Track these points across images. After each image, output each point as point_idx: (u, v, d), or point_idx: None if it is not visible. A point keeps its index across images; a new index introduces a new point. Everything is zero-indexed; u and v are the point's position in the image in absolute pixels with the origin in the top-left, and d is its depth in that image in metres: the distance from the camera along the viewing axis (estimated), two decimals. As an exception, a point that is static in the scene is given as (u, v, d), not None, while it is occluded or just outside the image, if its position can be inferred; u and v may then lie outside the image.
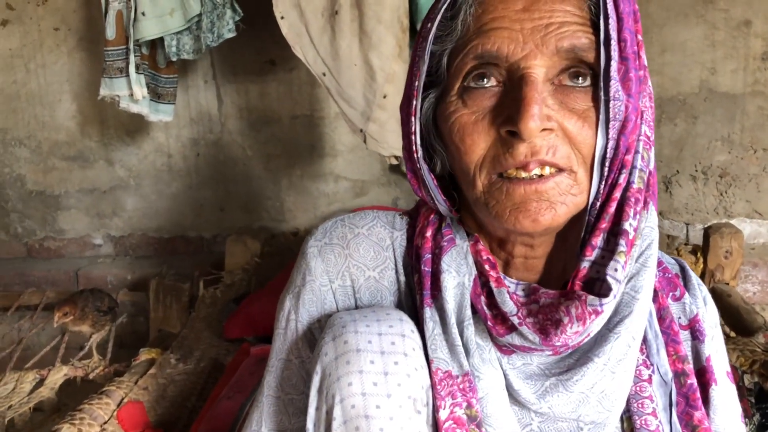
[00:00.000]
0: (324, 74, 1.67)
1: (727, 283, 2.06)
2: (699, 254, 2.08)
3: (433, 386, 0.70)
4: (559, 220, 0.67)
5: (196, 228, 2.63)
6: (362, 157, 2.47)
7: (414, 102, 0.71)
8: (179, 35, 1.84)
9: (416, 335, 0.71)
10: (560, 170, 0.66)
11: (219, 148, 2.53)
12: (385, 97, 1.65)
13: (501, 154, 0.66)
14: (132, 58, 1.80)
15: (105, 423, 1.41)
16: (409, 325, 0.71)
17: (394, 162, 1.81)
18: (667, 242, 2.15)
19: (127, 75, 1.82)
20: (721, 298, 1.96)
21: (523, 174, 0.65)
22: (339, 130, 2.45)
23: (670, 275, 0.83)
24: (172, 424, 1.48)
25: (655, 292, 0.80)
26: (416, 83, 0.71)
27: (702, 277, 2.06)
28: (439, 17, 0.69)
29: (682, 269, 0.85)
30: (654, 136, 0.71)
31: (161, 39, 1.85)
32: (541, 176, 0.66)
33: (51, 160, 2.61)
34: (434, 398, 0.70)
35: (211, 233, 2.62)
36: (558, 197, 0.66)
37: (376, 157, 2.44)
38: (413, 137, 0.72)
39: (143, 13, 1.73)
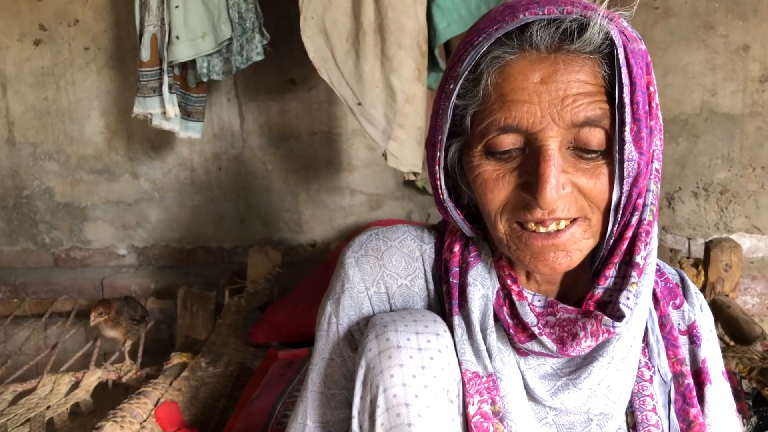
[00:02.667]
0: (347, 96, 1.77)
1: (727, 295, 2.11)
2: (700, 267, 2.15)
3: (463, 384, 0.78)
4: (573, 265, 0.75)
5: (217, 239, 2.71)
6: (377, 171, 2.55)
7: (438, 153, 0.77)
8: (210, 57, 1.94)
9: (448, 335, 0.79)
10: (574, 221, 0.73)
11: (240, 163, 2.62)
12: (404, 116, 1.75)
13: (520, 209, 0.73)
14: (165, 79, 1.90)
15: (144, 421, 1.50)
16: (442, 326, 0.79)
17: (413, 178, 1.90)
18: (670, 256, 2.23)
19: (161, 94, 1.92)
20: (721, 309, 2.02)
21: (542, 229, 0.72)
22: (355, 146, 2.54)
23: (671, 285, 0.90)
24: (205, 423, 1.56)
25: (657, 300, 0.88)
26: (440, 136, 0.76)
27: (703, 289, 2.12)
28: (461, 80, 0.73)
29: (682, 280, 0.93)
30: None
31: (192, 60, 1.95)
32: (557, 231, 0.73)
33: (79, 174, 2.70)
34: (464, 395, 0.78)
35: (231, 244, 2.70)
36: (573, 245, 0.74)
37: (391, 172, 2.52)
38: (439, 183, 0.79)
39: (177, 37, 1.83)
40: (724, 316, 2.00)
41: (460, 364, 0.79)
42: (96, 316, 1.82)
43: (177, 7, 1.80)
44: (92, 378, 1.89)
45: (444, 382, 0.76)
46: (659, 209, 2.26)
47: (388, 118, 1.74)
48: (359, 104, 1.75)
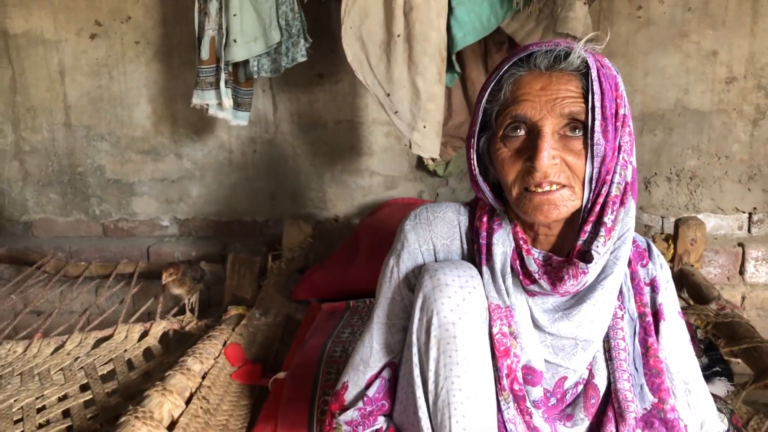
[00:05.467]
0: (379, 94, 2.08)
1: (692, 265, 2.43)
2: (670, 241, 2.45)
3: (489, 312, 1.06)
4: (561, 216, 1.00)
5: (251, 213, 3.00)
6: (393, 156, 2.85)
7: (473, 140, 1.07)
8: (260, 57, 2.22)
9: (479, 277, 1.07)
10: (563, 186, 0.99)
11: (273, 147, 2.91)
12: (427, 112, 2.07)
13: (526, 175, 0.99)
14: (223, 75, 2.19)
15: (216, 357, 1.83)
16: (475, 271, 1.07)
17: (431, 164, 2.22)
18: (644, 231, 2.55)
19: (217, 88, 2.21)
20: (686, 277, 2.35)
21: (539, 189, 0.98)
22: (375, 133, 2.83)
23: (640, 250, 1.17)
24: (263, 360, 1.89)
25: (630, 260, 1.13)
26: (474, 128, 1.07)
27: (672, 259, 2.43)
28: (490, 88, 1.04)
29: (649, 246, 1.19)
30: (634, 155, 1.03)
31: (245, 59, 2.22)
32: (550, 191, 0.99)
33: (128, 154, 2.98)
34: (489, 320, 1.06)
35: (263, 218, 2.99)
36: (561, 202, 0.99)
37: (405, 157, 2.82)
38: (472, 162, 1.09)
39: (234, 40, 2.12)
40: (689, 282, 2.32)
41: (486, 299, 1.07)
42: (167, 276, 2.15)
43: (234, 15, 2.10)
44: (158, 327, 2.19)
45: (479, 309, 1.04)
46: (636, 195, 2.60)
47: (413, 113, 2.07)
48: (390, 101, 2.07)
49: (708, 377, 1.77)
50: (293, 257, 2.47)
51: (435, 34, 2.00)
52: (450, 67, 2.17)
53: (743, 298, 2.66)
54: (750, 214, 2.76)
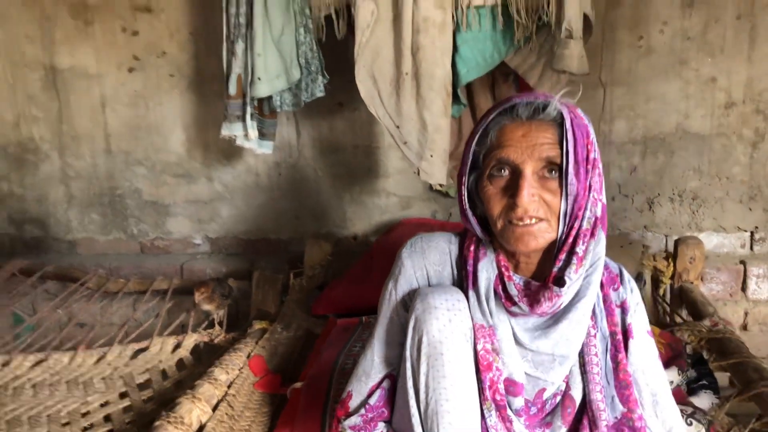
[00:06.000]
0: (390, 126, 2.26)
1: (692, 282, 2.52)
2: (670, 260, 2.54)
3: (474, 332, 1.19)
4: (539, 246, 1.13)
5: (276, 232, 3.17)
6: (408, 178, 2.98)
7: (464, 178, 1.20)
8: (282, 93, 2.40)
9: (465, 301, 1.20)
10: (541, 220, 1.11)
11: (296, 170, 3.08)
12: (433, 142, 2.24)
13: (509, 212, 1.12)
14: (248, 109, 2.38)
15: (241, 368, 1.99)
16: (462, 296, 1.20)
17: (439, 188, 2.37)
18: (642, 250, 2.60)
19: (244, 121, 2.39)
20: (686, 293, 2.45)
21: (521, 222, 1.11)
22: (390, 157, 2.97)
23: (612, 275, 1.29)
24: (283, 371, 2.05)
25: (603, 285, 1.26)
26: (465, 168, 1.20)
27: (672, 276, 2.53)
28: (478, 135, 1.17)
29: (620, 271, 1.31)
30: (604, 194, 1.16)
31: (268, 95, 2.43)
32: (530, 224, 1.11)
33: (163, 177, 3.18)
34: (474, 338, 1.18)
35: (287, 236, 3.16)
36: (539, 234, 1.12)
37: (419, 178, 2.95)
38: (463, 197, 1.21)
39: (259, 78, 2.30)
40: (688, 299, 2.42)
41: (472, 320, 1.20)
42: (199, 295, 2.35)
43: (259, 55, 2.29)
44: (190, 340, 2.37)
45: (463, 329, 1.17)
46: (641, 212, 2.70)
47: (420, 143, 2.23)
48: (399, 132, 2.24)
49: (695, 390, 1.88)
50: (314, 274, 2.65)
51: (440, 71, 2.17)
52: (456, 100, 2.34)
53: (746, 314, 2.75)
54: (752, 232, 2.84)
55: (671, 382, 1.82)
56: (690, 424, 1.63)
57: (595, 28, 2.59)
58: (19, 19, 3.07)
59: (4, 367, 2.20)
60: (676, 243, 2.56)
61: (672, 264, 2.55)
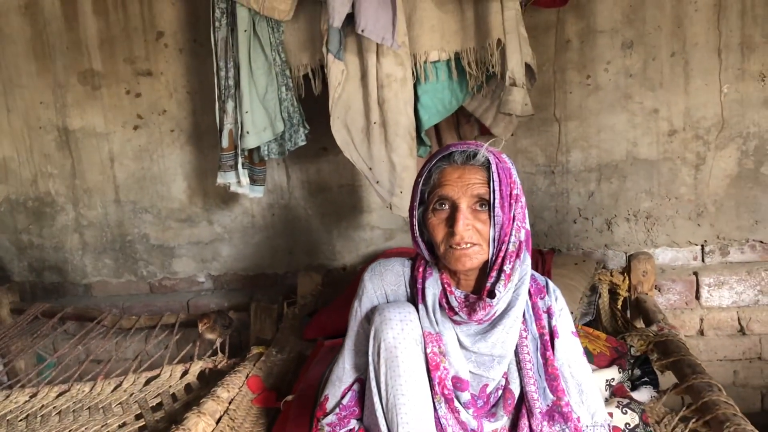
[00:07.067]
0: (363, 168, 2.55)
1: (646, 293, 2.73)
2: (626, 274, 2.76)
3: (423, 338, 1.38)
4: (474, 266, 1.32)
5: (272, 267, 3.39)
6: (389, 212, 3.05)
7: (414, 212, 1.41)
8: (269, 143, 2.67)
9: (415, 313, 1.39)
10: (474, 244, 1.30)
11: (288, 210, 3.31)
12: (402, 180, 2.53)
13: (449, 238, 1.31)
14: (239, 160, 2.68)
15: (240, 387, 2.24)
16: (412, 308, 1.39)
17: None
18: (595, 267, 2.85)
19: (236, 170, 2.68)
20: (640, 303, 2.67)
21: (458, 247, 1.30)
22: (373, 194, 3.17)
23: (540, 286, 1.48)
24: (278, 389, 2.26)
25: (531, 295, 1.45)
26: (414, 203, 1.41)
27: (629, 289, 2.75)
28: (424, 176, 1.37)
29: (547, 283, 1.50)
30: (527, 221, 1.35)
31: (257, 146, 2.74)
32: (466, 248, 1.31)
33: (168, 222, 3.43)
34: (424, 343, 1.37)
35: (283, 270, 3.38)
36: (473, 256, 1.31)
37: None
38: (414, 228, 1.42)
39: (248, 132, 2.58)
40: (641, 309, 2.64)
41: (422, 328, 1.39)
42: (202, 326, 2.62)
43: (246, 112, 2.58)
44: (196, 367, 2.56)
45: (414, 336, 1.35)
46: (601, 232, 2.93)
47: (391, 182, 2.51)
48: (372, 173, 2.54)
49: (637, 386, 2.13)
50: (305, 303, 2.92)
51: (404, 119, 2.46)
52: (422, 142, 2.64)
53: (701, 320, 2.97)
54: (702, 246, 3.08)
55: (613, 379, 2.07)
56: (625, 413, 1.87)
57: (547, 69, 2.92)
58: (35, 87, 3.38)
59: (32, 398, 2.44)
60: (629, 258, 2.78)
61: (627, 278, 2.78)
